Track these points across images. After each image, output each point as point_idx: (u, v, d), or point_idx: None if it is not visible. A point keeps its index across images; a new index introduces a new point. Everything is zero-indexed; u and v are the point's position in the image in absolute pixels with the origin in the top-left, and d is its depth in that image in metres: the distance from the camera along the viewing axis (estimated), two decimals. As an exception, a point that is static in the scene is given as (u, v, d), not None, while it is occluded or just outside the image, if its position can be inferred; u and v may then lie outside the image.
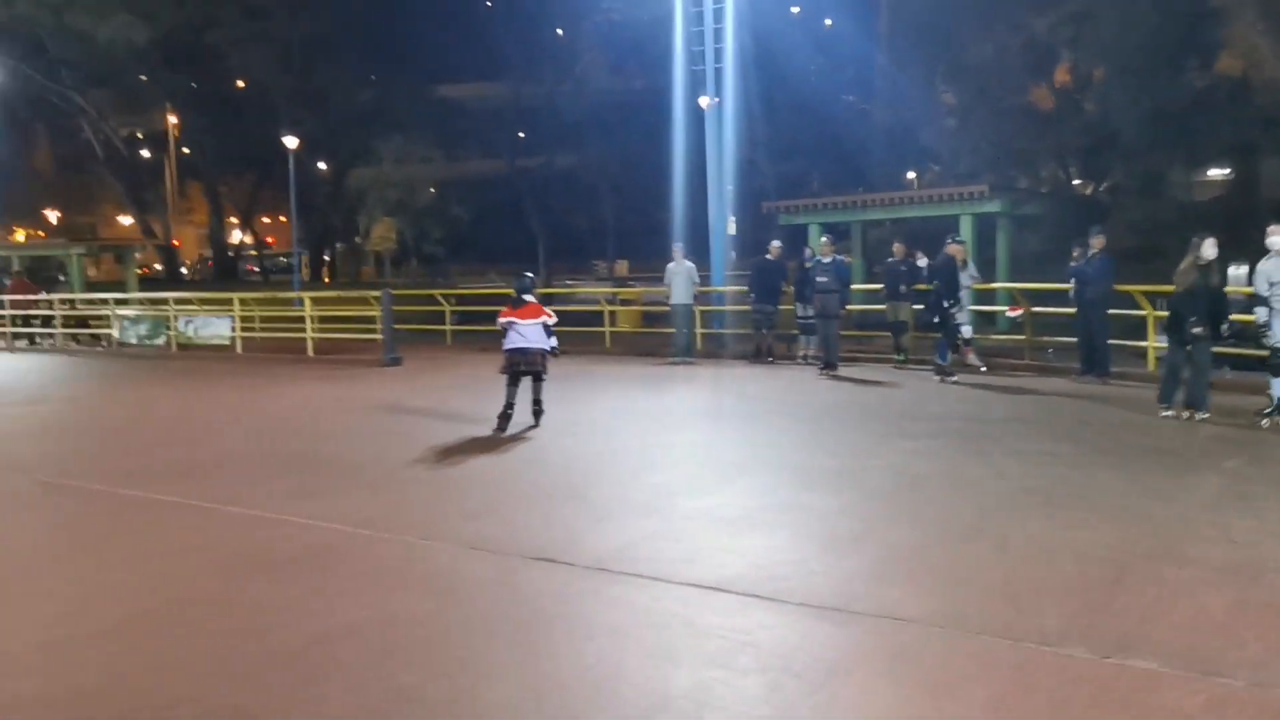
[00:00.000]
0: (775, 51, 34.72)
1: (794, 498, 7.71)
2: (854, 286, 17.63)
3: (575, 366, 17.27)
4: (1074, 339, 14.43)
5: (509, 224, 47.74)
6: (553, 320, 11.04)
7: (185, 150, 56.81)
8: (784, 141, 39.42)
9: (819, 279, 15.63)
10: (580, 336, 20.29)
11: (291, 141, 35.93)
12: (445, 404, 13.41)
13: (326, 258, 59.83)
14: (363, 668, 4.69)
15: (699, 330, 18.74)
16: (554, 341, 11.07)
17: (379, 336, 18.70)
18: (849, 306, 16.32)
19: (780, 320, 17.63)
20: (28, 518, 7.86)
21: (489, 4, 47.44)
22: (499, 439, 10.54)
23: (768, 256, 17.56)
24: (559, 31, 47.77)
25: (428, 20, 45.19)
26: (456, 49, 45.48)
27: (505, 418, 10.85)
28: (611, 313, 21.63)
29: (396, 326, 18.89)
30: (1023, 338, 16.17)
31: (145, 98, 50.39)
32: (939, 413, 11.76)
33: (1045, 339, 16.01)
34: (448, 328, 22.01)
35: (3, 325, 25.25)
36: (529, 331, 10.86)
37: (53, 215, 63.97)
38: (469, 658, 4.79)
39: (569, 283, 40.73)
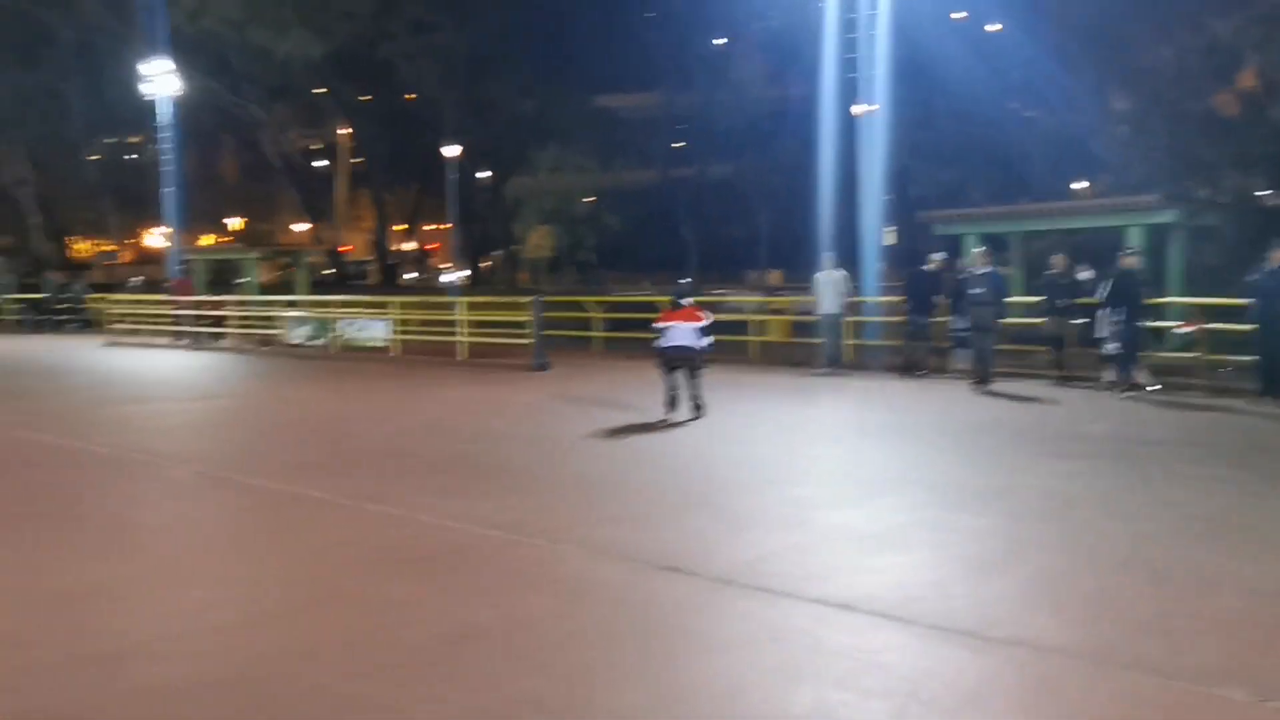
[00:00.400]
0: (935, 57, 33.92)
1: (937, 516, 7.44)
2: (1012, 299, 17.03)
3: (721, 376, 17.12)
4: (1253, 358, 13.57)
5: (662, 233, 47.98)
6: (708, 322, 12.20)
7: (357, 160, 59.15)
8: (942, 149, 38.47)
9: (972, 290, 15.14)
10: (726, 346, 20.12)
11: (452, 150, 36.94)
12: (589, 410, 13.49)
13: (484, 264, 61.32)
14: (486, 669, 4.70)
15: (848, 341, 18.39)
16: (708, 340, 12.13)
17: (529, 342, 18.97)
18: (1004, 319, 15.75)
19: (934, 333, 17.17)
20: (184, 509, 8.21)
21: (648, 15, 47.85)
22: (639, 445, 10.56)
23: (925, 267, 17.12)
24: (719, 42, 47.84)
25: (588, 32, 45.92)
26: (615, 60, 46.10)
27: (670, 403, 12.07)
28: (760, 322, 21.44)
29: (548, 333, 19.15)
30: (1197, 355, 15.29)
31: (320, 110, 52.70)
32: (1099, 432, 11.21)
33: (1221, 357, 15.10)
34: (596, 334, 22.19)
35: (180, 324, 26.65)
36: (683, 333, 12.02)
37: (237, 222, 67.54)
38: (591, 665, 4.75)
39: (719, 292, 40.61)
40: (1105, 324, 14.43)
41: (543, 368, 18.18)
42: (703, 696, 4.44)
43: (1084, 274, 15.73)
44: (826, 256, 17.82)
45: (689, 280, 12.69)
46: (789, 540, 6.83)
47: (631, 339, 19.72)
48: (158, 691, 4.48)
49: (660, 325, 12.20)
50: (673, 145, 49.56)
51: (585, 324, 22.72)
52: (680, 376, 12.11)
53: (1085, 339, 15.26)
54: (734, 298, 34.07)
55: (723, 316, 24.46)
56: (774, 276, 53.43)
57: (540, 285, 53.06)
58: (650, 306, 21.76)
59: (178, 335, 26.54)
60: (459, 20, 45.18)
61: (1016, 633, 5.03)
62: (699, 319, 12.10)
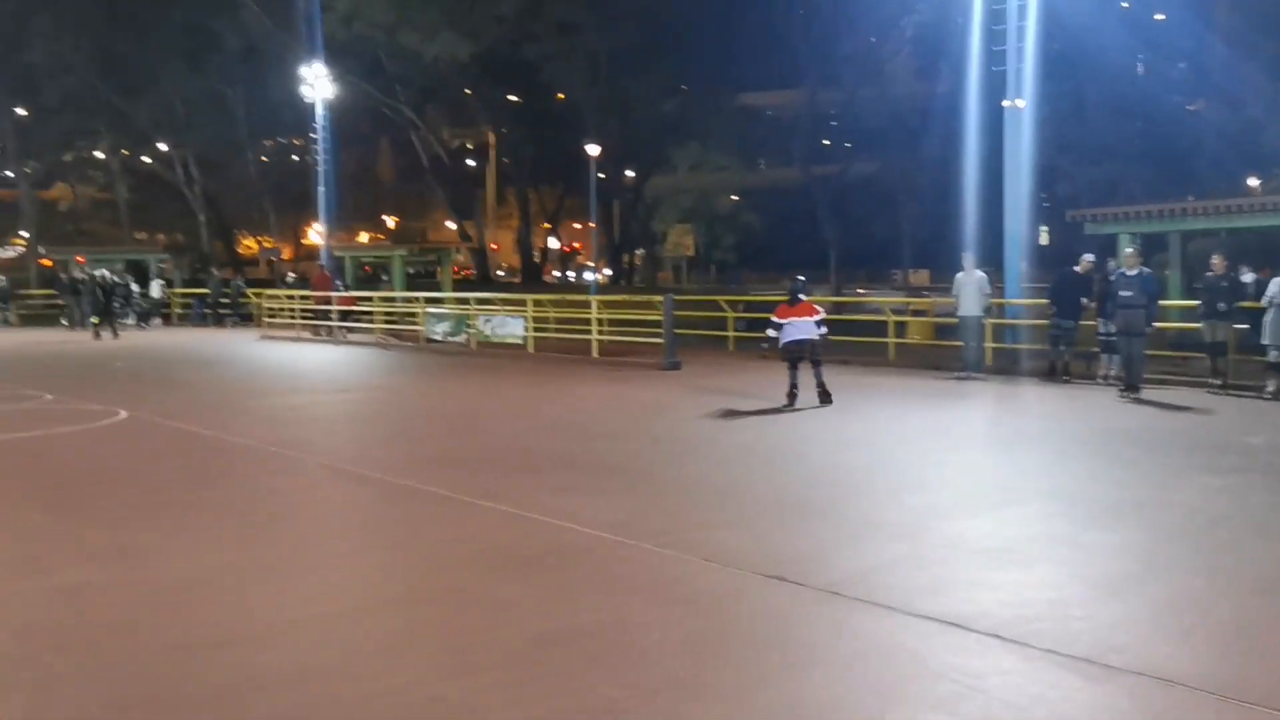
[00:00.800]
0: (1089, 48, 32.48)
1: (1066, 531, 7.05)
2: (1167, 302, 16.14)
3: (854, 377, 16.80)
4: None
5: (802, 231, 47.32)
6: (822, 315, 13.24)
7: (503, 160, 60.35)
8: (1095, 145, 36.83)
9: (1122, 293, 14.38)
10: (863, 347, 19.74)
11: (593, 150, 37.25)
12: (714, 410, 13.35)
13: (626, 262, 61.75)
14: (574, 674, 4.63)
15: (990, 344, 17.76)
16: (824, 330, 13.21)
17: (661, 340, 18.94)
18: (1156, 323, 14.92)
19: (1081, 337, 16.42)
20: (306, 501, 8.42)
21: (792, 13, 47.30)
22: (761, 447, 10.39)
23: (1074, 269, 16.40)
24: (865, 38, 46.96)
25: (730, 30, 45.66)
26: (758, 58, 45.72)
27: (792, 396, 12.91)
28: (898, 323, 20.91)
29: (682, 332, 19.12)
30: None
31: (468, 111, 53.89)
32: (1257, 445, 10.51)
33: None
34: (731, 334, 22.03)
35: (321, 319, 27.54)
36: (802, 326, 12.96)
37: (391, 220, 69.74)
38: (681, 676, 4.62)
39: (860, 292, 39.93)
40: (1271, 329, 13.56)
41: (674, 366, 18.11)
42: (796, 713, 4.27)
43: (1246, 276, 14.79)
44: (967, 256, 17.23)
45: (802, 279, 13.77)
46: (904, 551, 6.57)
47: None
48: (249, 683, 4.55)
49: (779, 321, 13.13)
50: (816, 143, 48.88)
51: (720, 323, 22.59)
52: (802, 368, 13.00)
53: (1248, 345, 14.36)
54: (874, 298, 33.42)
55: (862, 318, 24.09)
56: (919, 276, 52.26)
57: (682, 284, 53.12)
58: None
59: (316, 329, 27.46)
60: (602, 21, 45.54)
61: (1138, 661, 4.69)
62: (815, 312, 13.19)
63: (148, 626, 5.26)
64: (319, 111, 34.10)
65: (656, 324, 19.55)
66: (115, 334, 28.00)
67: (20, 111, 48.73)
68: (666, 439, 11.08)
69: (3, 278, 38.29)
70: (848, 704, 4.33)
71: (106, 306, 28.73)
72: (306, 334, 27.20)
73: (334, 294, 27.78)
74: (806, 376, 12.99)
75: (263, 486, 8.77)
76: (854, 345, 19.91)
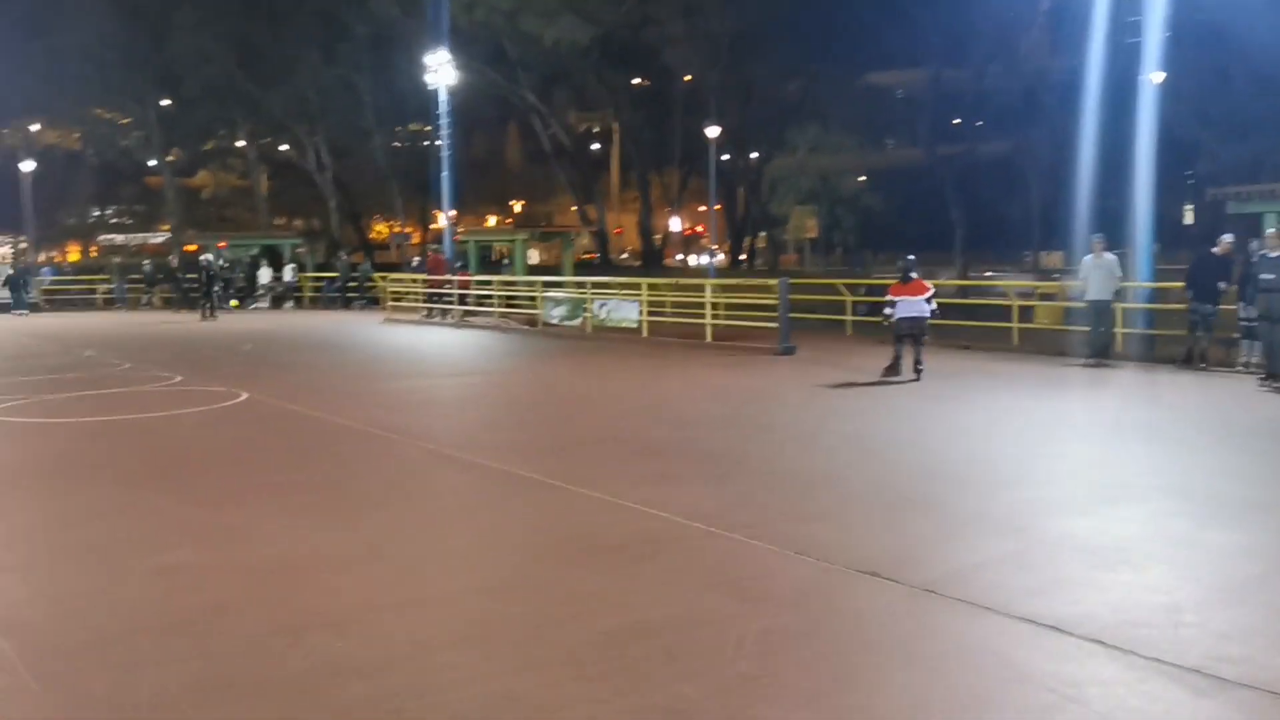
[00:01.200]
0: (1235, 19, 30.67)
1: (1186, 530, 6.64)
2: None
3: (974, 364, 16.32)
4: None
5: (927, 213, 46.10)
6: (930, 293, 14.06)
7: (625, 143, 60.44)
8: (1240, 119, 34.81)
9: (1264, 276, 13.56)
10: (986, 333, 19.12)
11: (712, 132, 36.96)
12: (823, 397, 13.12)
13: (747, 245, 61.27)
14: (645, 671, 4.52)
15: (1120, 330, 16.99)
16: (933, 306, 13.98)
17: (776, 325, 18.66)
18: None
19: (1220, 322, 15.56)
20: (405, 485, 8.48)
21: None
22: (866, 436, 10.13)
23: (1213, 250, 15.57)
24: (998, 13, 45.40)
25: (853, 9, 44.67)
26: (881, 36, 44.57)
27: (893, 369, 13.97)
28: (1023, 308, 20.18)
29: (800, 316, 18.86)
30: None
31: (589, 95, 54.09)
32: (1407, 440, 9.77)
33: None
34: (849, 318, 21.59)
35: (436, 302, 27.99)
36: (912, 304, 13.85)
37: (518, 205, 70.66)
38: (758, 674, 4.48)
39: (988, 274, 38.72)
40: None
41: (787, 352, 17.82)
42: (876, 719, 4.09)
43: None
44: (1096, 239, 16.51)
45: (912, 258, 14.85)
46: (1006, 548, 6.27)
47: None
48: (324, 670, 4.57)
49: (891, 298, 14.16)
50: (941, 122, 47.52)
51: (839, 307, 22.16)
52: (908, 343, 13.97)
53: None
54: (1000, 281, 32.38)
55: (984, 301, 23.33)
56: (1052, 258, 50.44)
57: (805, 267, 52.43)
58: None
59: (430, 312, 27.93)
60: (723, 2, 45.09)
61: (1251, 673, 4.36)
62: (925, 290, 14.05)
63: (236, 609, 5.35)
64: (442, 97, 34.60)
65: (772, 308, 19.27)
66: (214, 316, 29.66)
67: (164, 102, 50.78)
68: (770, 426, 10.89)
69: (148, 262, 40.06)
70: (931, 710, 4.13)
71: (208, 290, 30.55)
72: (430, 317, 27.69)
73: (450, 277, 28.22)
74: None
75: (365, 470, 8.89)
76: (977, 330, 19.30)
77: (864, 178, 49.65)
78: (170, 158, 54.13)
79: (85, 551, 6.49)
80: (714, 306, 20.74)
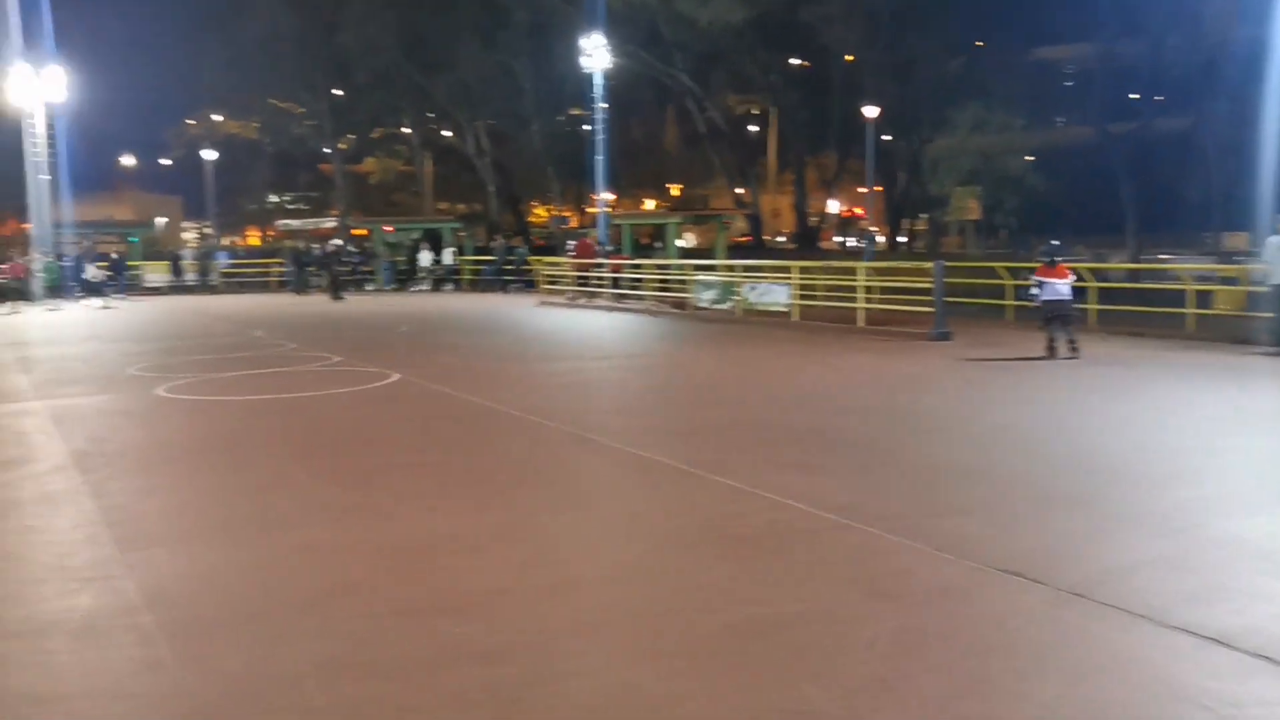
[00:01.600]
0: None
1: (1374, 536, 6.07)
2: None
3: (1144, 350, 15.53)
4: None
5: (1096, 193, 43.97)
6: (1073, 279, 15.02)
7: (781, 124, 59.71)
8: None
9: None
10: (1159, 319, 18.11)
11: (871, 112, 36.11)
12: (977, 384, 12.64)
13: (906, 227, 59.80)
14: (773, 667, 4.37)
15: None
16: (1069, 291, 14.74)
17: (931, 310, 18.11)
18: None
19: None
20: (540, 467, 8.48)
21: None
22: (1020, 426, 9.68)
23: None
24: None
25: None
26: (1049, 9, 42.58)
27: (1051, 350, 14.55)
28: (1201, 292, 19.03)
29: (958, 300, 18.31)
30: None
31: (744, 77, 53.61)
32: None
33: None
34: (1009, 303, 20.77)
35: (584, 285, 28.19)
36: (1059, 287, 14.60)
37: (675, 188, 70.77)
38: (884, 678, 4.26)
39: (1162, 257, 36.69)
40: None
41: (942, 337, 17.26)
42: (1007, 731, 3.85)
43: None
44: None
45: (1056, 243, 16.07)
46: (1165, 550, 5.85)
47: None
48: (446, 654, 4.57)
49: (1038, 280, 14.79)
50: (1113, 98, 45.14)
51: (1000, 291, 21.35)
52: (1057, 325, 14.54)
53: None
54: (1176, 264, 30.67)
55: (1156, 286, 22.12)
56: (1236, 239, 47.54)
57: (966, 250, 50.84)
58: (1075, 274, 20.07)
59: (574, 295, 28.16)
60: (882, -21, 44.05)
61: None
62: (1068, 275, 14.83)
63: (365, 589, 5.42)
64: (597, 81, 34.84)
65: (928, 292, 18.72)
66: (339, 297, 31.43)
67: (336, 92, 52.75)
68: (917, 414, 10.52)
69: (317, 246, 41.70)
70: (1069, 726, 3.85)
71: (335, 273, 33.04)
72: (581, 300, 27.96)
73: (600, 260, 28.41)
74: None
75: (503, 452, 8.96)
76: (1150, 317, 18.32)
77: (1030, 157, 47.59)
78: (341, 145, 56.20)
79: (231, 527, 6.70)
80: (867, 290, 20.26)
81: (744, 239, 56.42)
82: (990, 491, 7.32)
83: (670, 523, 6.63)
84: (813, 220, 59.93)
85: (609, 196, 37.70)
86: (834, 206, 67.99)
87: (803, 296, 21.50)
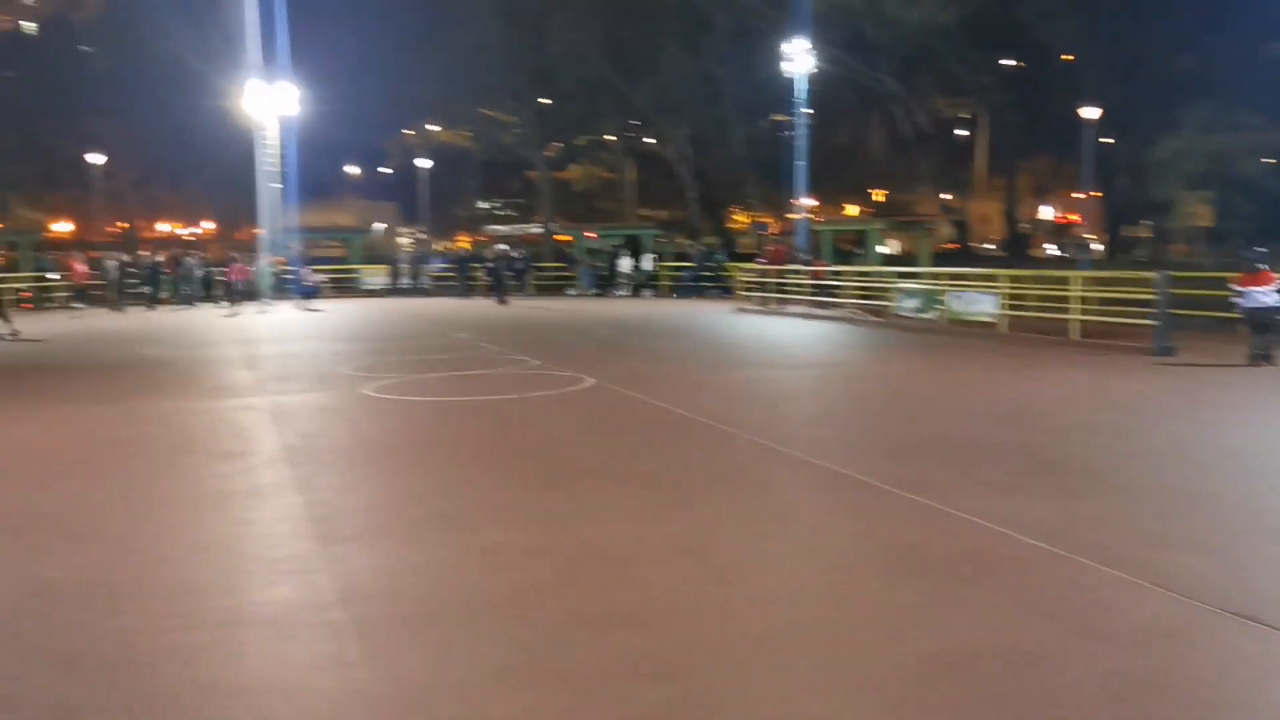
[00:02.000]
0: None
1: None
2: None
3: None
4: None
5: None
6: (1276, 284, 14.60)
7: (991, 127, 57.58)
8: None
9: None
10: None
11: (1090, 112, 34.33)
12: (1201, 406, 11.73)
13: (1128, 235, 56.56)
14: (964, 708, 4.09)
15: None
16: (1277, 298, 14.50)
17: (1153, 323, 16.98)
18: None
19: None
20: (728, 477, 8.28)
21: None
22: (1251, 452, 8.86)
23: None
24: None
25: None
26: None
27: (1253, 357, 14.40)
28: None
29: (1184, 312, 17.15)
30: None
31: (952, 78, 51.98)
32: None
33: None
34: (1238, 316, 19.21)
35: (775, 292, 27.84)
36: (1262, 295, 14.57)
37: (880, 194, 69.34)
38: (1092, 726, 3.91)
39: None
40: None
41: (1165, 352, 16.13)
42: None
43: None
44: None
45: (1264, 249, 15.45)
46: None
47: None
48: (621, 668, 4.48)
49: (1239, 289, 14.92)
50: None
51: (1228, 304, 19.78)
52: (1273, 335, 14.44)
53: None
54: None
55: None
56: None
57: (1194, 259, 47.62)
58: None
59: (767, 301, 27.84)
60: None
61: None
62: (1271, 280, 14.62)
63: (546, 595, 5.38)
64: (799, 86, 34.43)
65: (1148, 303, 17.57)
66: (503, 300, 32.65)
67: (542, 101, 54.10)
68: (1134, 435, 9.79)
69: (523, 250, 42.83)
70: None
71: (500, 277, 34.74)
72: (773, 306, 27.66)
73: (794, 267, 28.07)
74: None
75: (691, 462, 8.84)
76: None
77: (1270, 159, 43.96)
78: (546, 153, 57.62)
79: (422, 526, 6.83)
80: (1083, 301, 19.17)
81: (950, 246, 54.69)
82: (1217, 522, 6.70)
83: (861, 543, 6.35)
84: (1024, 227, 57.54)
85: (810, 202, 37.11)
86: (1048, 213, 65.07)
87: (1011, 306, 20.55)
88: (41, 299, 33.44)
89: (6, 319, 22.10)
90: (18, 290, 31.48)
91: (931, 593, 5.39)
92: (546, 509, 7.15)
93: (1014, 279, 21.62)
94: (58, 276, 34.69)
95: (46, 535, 6.68)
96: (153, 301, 33.18)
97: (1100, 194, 45.26)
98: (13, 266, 34.30)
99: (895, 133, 57.28)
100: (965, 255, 49.61)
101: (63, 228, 61.24)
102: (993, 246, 63.62)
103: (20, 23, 61.13)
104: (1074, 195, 60.00)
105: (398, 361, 16.49)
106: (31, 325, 23.95)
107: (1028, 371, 15.06)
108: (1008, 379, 14.38)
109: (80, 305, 32.74)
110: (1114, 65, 43.84)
